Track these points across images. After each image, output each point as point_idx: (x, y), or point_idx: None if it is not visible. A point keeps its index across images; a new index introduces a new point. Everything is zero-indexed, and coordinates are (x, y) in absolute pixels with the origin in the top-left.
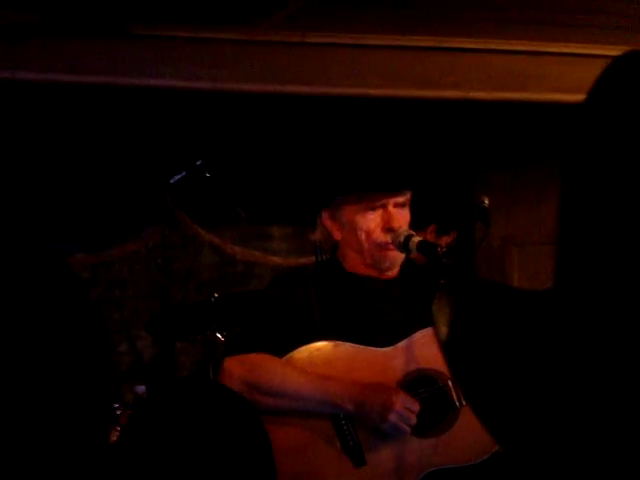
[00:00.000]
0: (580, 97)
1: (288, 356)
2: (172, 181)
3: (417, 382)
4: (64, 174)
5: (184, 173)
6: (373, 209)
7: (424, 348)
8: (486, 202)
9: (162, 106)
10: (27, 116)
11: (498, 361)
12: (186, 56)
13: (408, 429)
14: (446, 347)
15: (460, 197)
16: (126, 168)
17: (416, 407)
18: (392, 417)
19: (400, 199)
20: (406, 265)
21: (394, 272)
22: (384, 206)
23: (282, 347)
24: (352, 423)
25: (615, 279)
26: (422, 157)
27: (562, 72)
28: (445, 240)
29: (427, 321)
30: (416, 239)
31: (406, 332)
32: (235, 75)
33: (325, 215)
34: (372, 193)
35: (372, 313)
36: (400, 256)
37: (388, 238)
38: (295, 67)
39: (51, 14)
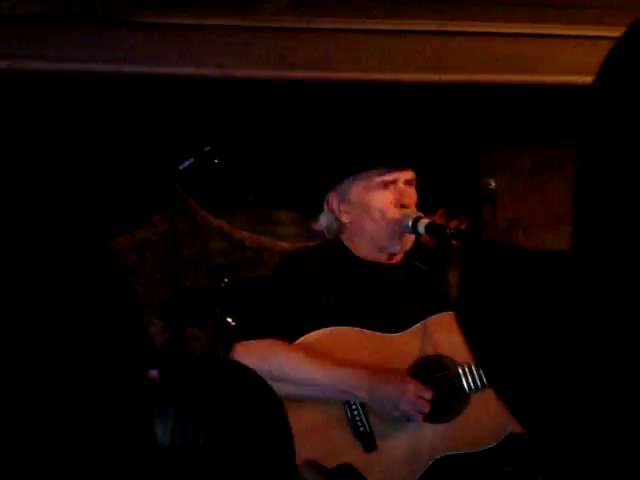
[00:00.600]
0: (584, 79)
1: (299, 341)
2: (181, 167)
3: (428, 367)
4: (72, 163)
5: (192, 159)
6: (384, 187)
7: (435, 334)
8: (492, 184)
9: (169, 93)
10: (34, 106)
11: (510, 321)
12: (192, 43)
13: (421, 417)
14: (457, 309)
15: (466, 179)
16: (135, 156)
17: (429, 395)
18: (405, 406)
19: (409, 175)
20: (412, 248)
21: (400, 257)
22: (395, 183)
23: (292, 332)
24: (363, 409)
25: (633, 243)
26: (427, 139)
27: (566, 54)
28: (454, 224)
29: (436, 305)
30: (425, 221)
31: (415, 317)
32: (241, 61)
33: (332, 199)
34: (382, 170)
35: (381, 298)
36: (410, 239)
37: (402, 214)
38: (300, 52)
39: (57, 3)
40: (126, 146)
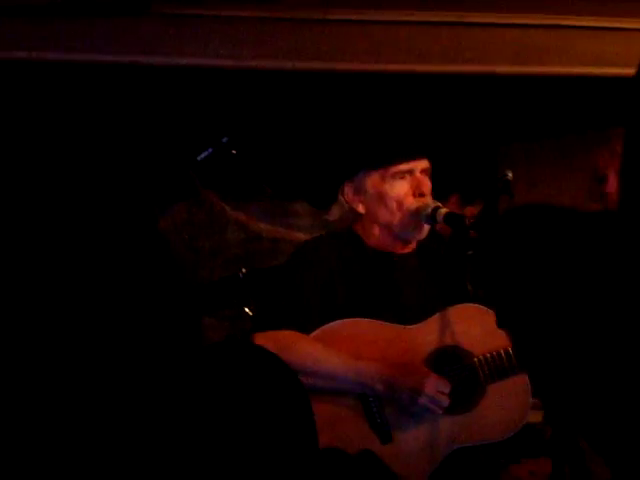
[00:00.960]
0: (601, 69)
1: (315, 333)
2: (199, 159)
3: (444, 359)
4: (90, 154)
5: (211, 150)
6: (401, 177)
7: (451, 325)
8: (509, 175)
9: (188, 85)
10: (50, 96)
11: (548, 277)
12: (209, 34)
13: (439, 411)
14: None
15: (482, 167)
16: (152, 147)
17: (447, 389)
18: (423, 400)
19: (425, 164)
20: (427, 238)
21: (413, 246)
22: (411, 172)
23: (309, 323)
24: (379, 401)
25: None
26: (443, 129)
27: (584, 45)
28: (470, 210)
29: (452, 295)
30: (443, 210)
31: (431, 308)
32: (257, 52)
33: (348, 189)
34: (399, 160)
35: (396, 288)
36: (426, 228)
37: (420, 203)
38: (317, 44)
39: None
40: (144, 137)
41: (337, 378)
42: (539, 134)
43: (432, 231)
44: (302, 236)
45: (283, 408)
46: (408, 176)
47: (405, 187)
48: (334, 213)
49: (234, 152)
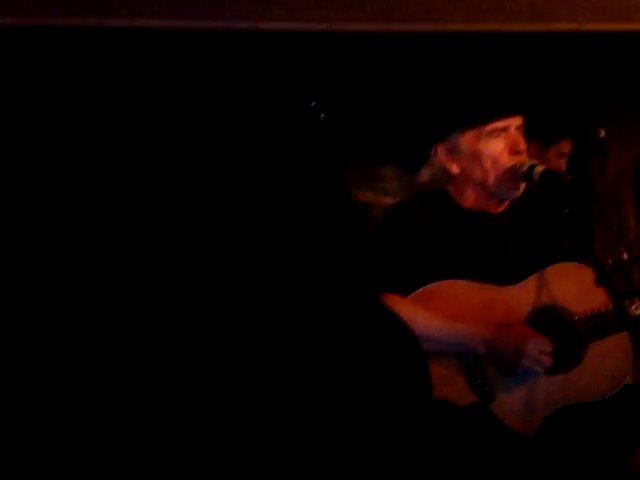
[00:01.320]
0: None
1: (412, 296)
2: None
3: (544, 319)
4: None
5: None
6: (497, 135)
7: (550, 284)
8: (602, 133)
9: (275, 50)
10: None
11: None
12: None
13: (542, 371)
14: None
15: (575, 129)
16: (240, 114)
17: (549, 348)
18: (526, 361)
19: (520, 121)
20: (520, 196)
21: (506, 204)
22: (506, 130)
23: (407, 286)
24: (480, 362)
25: None
26: (539, 87)
27: None
28: (553, 152)
29: (548, 254)
30: (540, 168)
31: (528, 268)
32: (349, 16)
33: (441, 150)
34: (495, 118)
35: (492, 249)
36: (522, 186)
37: (517, 161)
38: (404, 5)
39: None
40: (230, 105)
41: (436, 339)
42: (633, 95)
43: (526, 189)
44: (390, 200)
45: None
46: (503, 134)
47: (501, 145)
48: (425, 175)
49: (322, 116)
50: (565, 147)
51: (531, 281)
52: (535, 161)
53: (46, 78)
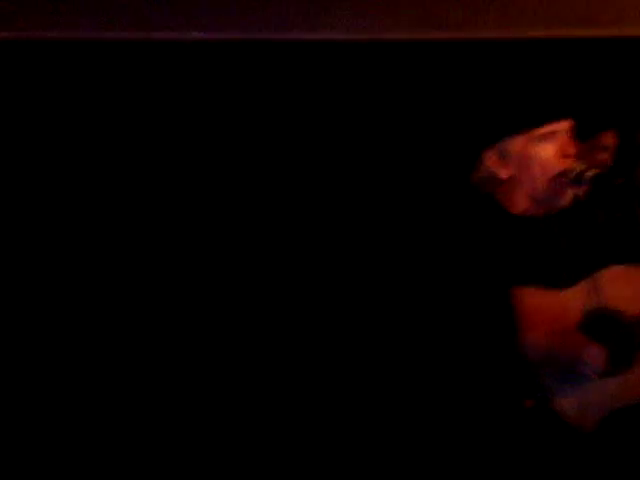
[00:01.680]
0: None
1: None
2: None
3: (597, 322)
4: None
5: None
6: (546, 139)
7: (604, 287)
8: None
9: (318, 60)
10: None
11: None
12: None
13: (597, 377)
14: None
15: (624, 132)
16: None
17: (604, 354)
18: (581, 369)
19: (570, 125)
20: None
21: (555, 209)
22: (556, 134)
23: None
24: (534, 367)
25: None
26: (589, 91)
27: None
28: (595, 145)
29: (603, 257)
30: (591, 172)
31: (580, 271)
32: (390, 24)
33: (490, 154)
34: (545, 122)
35: (542, 254)
36: (571, 192)
37: (567, 166)
38: (451, 14)
39: None
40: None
41: None
42: None
43: (576, 194)
44: None
45: None
46: (553, 138)
47: (550, 149)
48: (478, 177)
49: None
50: (608, 140)
51: (583, 285)
52: (585, 165)
53: (47, 91)
